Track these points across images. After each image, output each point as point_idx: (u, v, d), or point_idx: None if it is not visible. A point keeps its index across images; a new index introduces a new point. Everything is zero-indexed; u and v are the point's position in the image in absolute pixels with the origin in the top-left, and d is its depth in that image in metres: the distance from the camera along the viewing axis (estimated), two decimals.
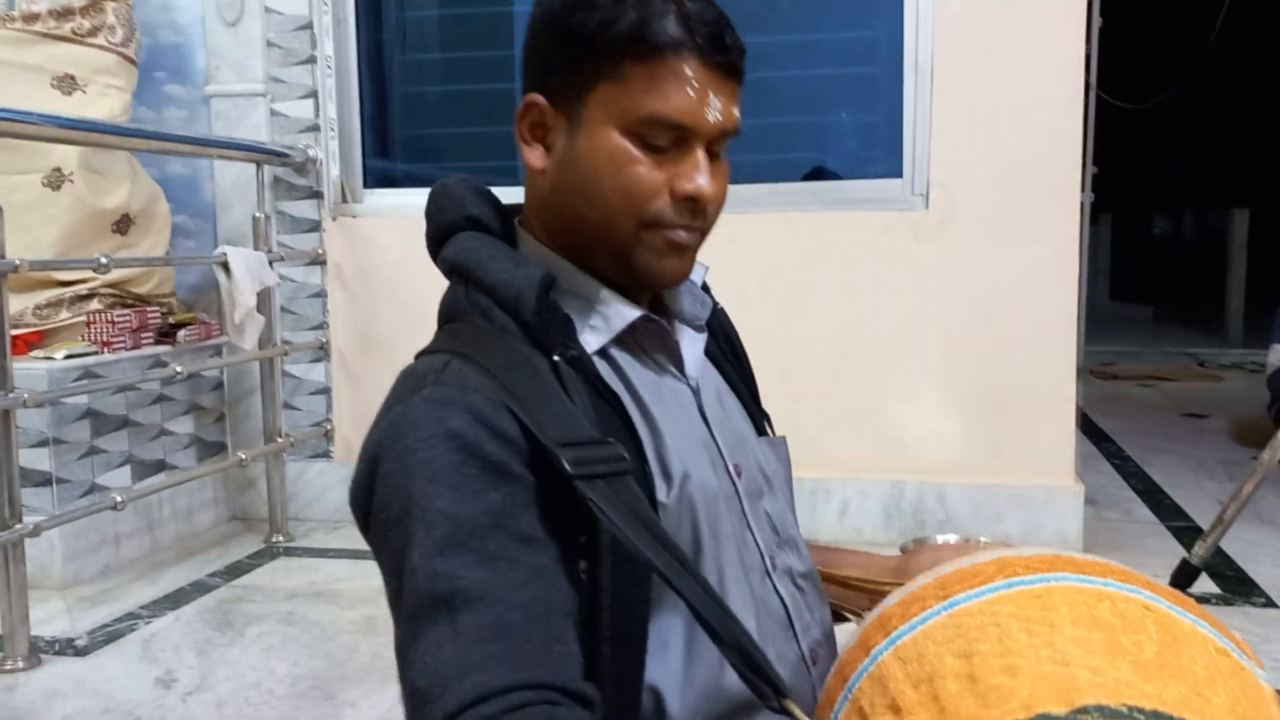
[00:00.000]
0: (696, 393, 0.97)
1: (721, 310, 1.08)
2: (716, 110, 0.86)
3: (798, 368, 2.85)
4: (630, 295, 0.93)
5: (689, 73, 0.84)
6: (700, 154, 0.87)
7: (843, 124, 3.14)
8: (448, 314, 0.93)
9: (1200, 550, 1.26)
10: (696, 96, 0.85)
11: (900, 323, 2.82)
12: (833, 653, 0.98)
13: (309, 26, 3.10)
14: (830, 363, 2.86)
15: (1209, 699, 0.73)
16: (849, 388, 2.86)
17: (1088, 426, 4.38)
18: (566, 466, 0.76)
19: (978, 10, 2.71)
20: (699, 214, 0.89)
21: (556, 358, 0.85)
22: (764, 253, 2.85)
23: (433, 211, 0.96)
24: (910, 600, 0.84)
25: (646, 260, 0.89)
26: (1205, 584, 2.44)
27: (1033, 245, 2.73)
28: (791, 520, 1.03)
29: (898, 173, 2.84)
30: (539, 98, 0.89)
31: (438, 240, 0.95)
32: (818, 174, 3.02)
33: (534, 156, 0.91)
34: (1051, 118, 2.70)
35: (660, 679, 0.84)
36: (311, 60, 3.11)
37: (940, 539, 2.85)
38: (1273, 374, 3.75)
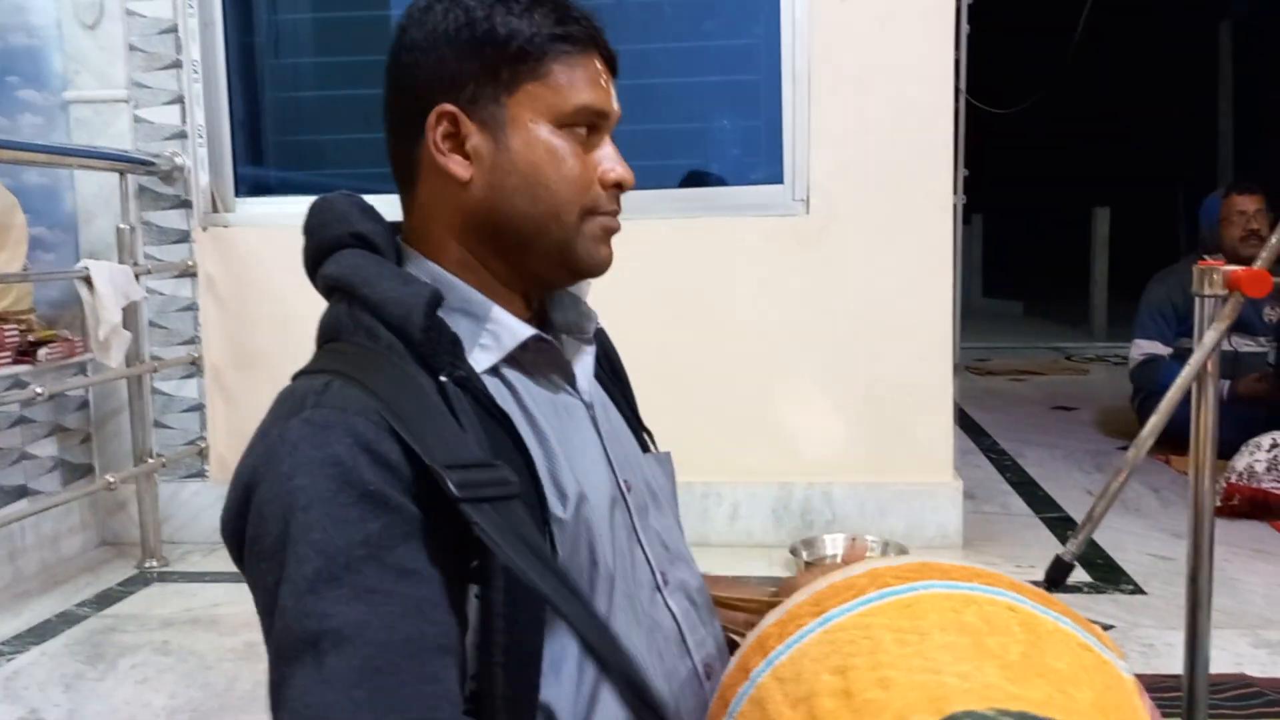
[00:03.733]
0: (590, 407, 0.97)
1: (601, 330, 1.08)
2: (615, 99, 0.94)
3: (686, 373, 2.87)
4: (520, 314, 0.93)
5: (599, 66, 0.91)
6: (611, 142, 0.93)
7: (724, 130, 3.18)
8: (329, 333, 0.90)
9: (1072, 547, 1.31)
10: (606, 87, 0.92)
11: (785, 327, 2.86)
12: (725, 665, 0.99)
13: (174, 30, 2.98)
14: (718, 367, 2.88)
15: (1073, 695, 0.75)
16: (737, 392, 2.89)
17: (965, 422, 4.53)
18: (452, 489, 0.74)
19: (852, 19, 2.77)
20: (618, 200, 0.94)
21: (444, 378, 0.83)
22: (650, 259, 2.86)
23: (314, 227, 0.93)
24: (787, 619, 0.85)
25: (588, 248, 0.92)
26: (1077, 573, 2.53)
27: (909, 248, 2.80)
28: (679, 536, 1.04)
29: (779, 179, 2.88)
30: (451, 107, 0.88)
31: (317, 257, 0.92)
32: (695, 178, 3.04)
33: (458, 167, 0.90)
34: (924, 124, 2.78)
35: (555, 701, 0.83)
36: (177, 65, 2.99)
37: (828, 539, 2.91)
38: (1135, 368, 3.93)
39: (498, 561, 0.77)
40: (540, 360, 0.94)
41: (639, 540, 0.95)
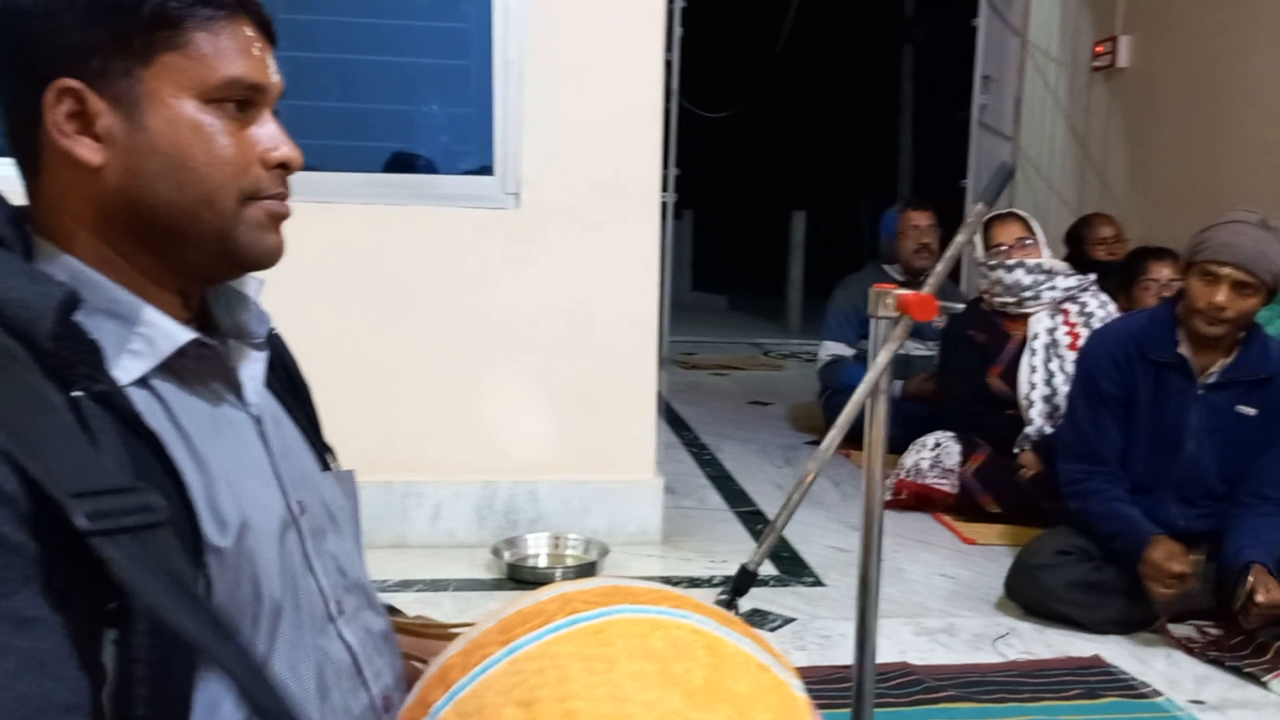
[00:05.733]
0: (259, 421, 0.88)
1: (277, 335, 0.99)
2: (275, 70, 0.86)
3: (387, 368, 2.75)
4: (178, 315, 0.84)
5: (249, 33, 0.83)
6: (274, 119, 0.86)
7: (433, 116, 3.08)
8: None
9: (755, 557, 1.37)
10: (260, 56, 0.84)
11: (492, 321, 2.81)
12: (406, 696, 0.94)
13: None
14: (422, 363, 2.79)
15: (751, 718, 0.77)
16: (441, 388, 2.80)
17: (670, 415, 4.68)
18: (81, 521, 0.64)
19: (565, 12, 2.75)
20: (285, 181, 0.86)
21: (78, 393, 0.72)
22: (348, 246, 2.71)
23: None
24: (472, 648, 0.82)
25: (251, 237, 0.84)
26: (766, 566, 2.67)
27: (618, 246, 2.83)
28: (359, 560, 0.98)
29: (490, 170, 2.82)
30: (74, 82, 0.77)
31: None
32: (400, 162, 2.93)
33: (87, 151, 0.79)
34: (636, 122, 2.80)
35: None
36: None
37: (531, 538, 2.89)
38: (821, 368, 4.22)
39: (139, 601, 0.68)
40: (200, 369, 0.84)
41: (312, 567, 0.89)
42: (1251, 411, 2.42)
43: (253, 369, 0.90)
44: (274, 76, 0.85)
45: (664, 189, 2.94)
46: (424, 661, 1.05)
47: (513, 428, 2.85)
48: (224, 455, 0.82)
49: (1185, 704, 2.03)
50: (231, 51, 0.81)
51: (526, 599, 0.86)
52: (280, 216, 0.86)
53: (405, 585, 2.49)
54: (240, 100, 0.82)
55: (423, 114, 3.08)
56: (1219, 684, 2.13)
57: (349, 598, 0.92)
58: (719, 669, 0.80)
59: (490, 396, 2.83)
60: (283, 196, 0.86)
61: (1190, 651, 2.26)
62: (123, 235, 0.81)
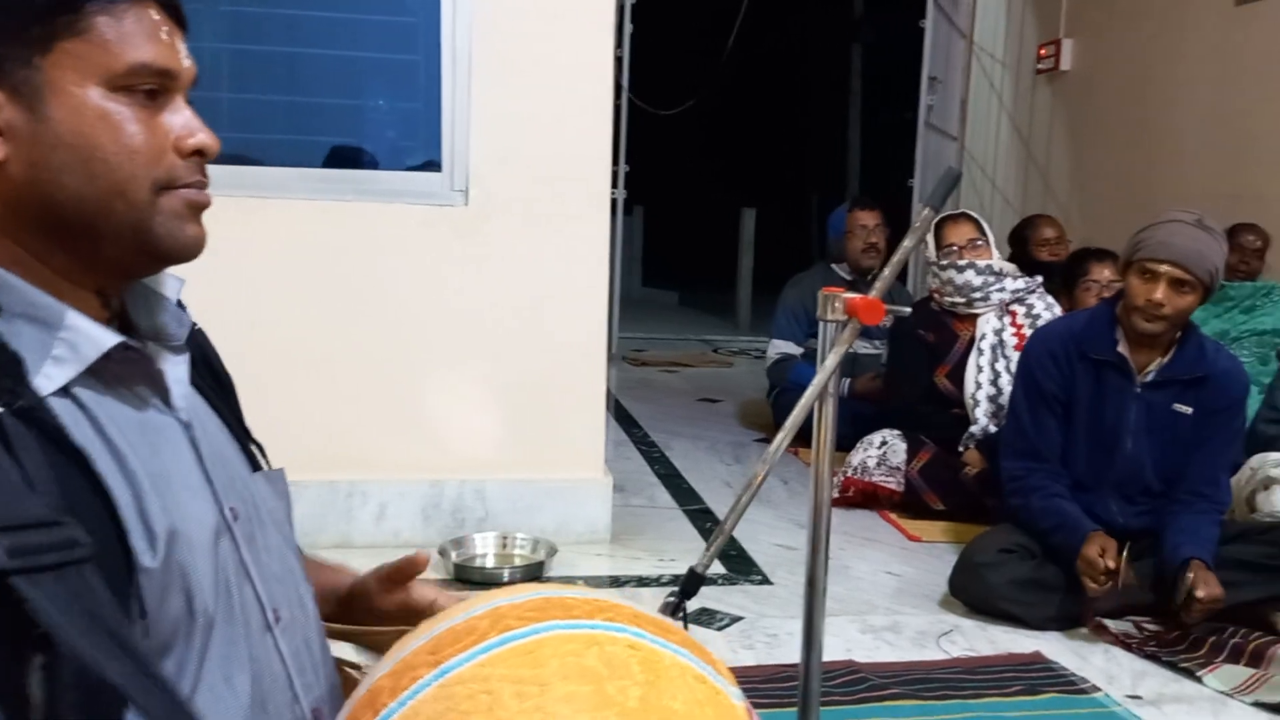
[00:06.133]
0: (188, 426, 0.86)
1: (199, 331, 0.97)
2: (186, 54, 0.83)
3: (331, 366, 2.71)
4: (97, 316, 0.81)
5: (155, 17, 0.81)
6: (186, 105, 0.83)
7: (380, 111, 3.04)
8: None
9: (704, 560, 1.38)
10: (169, 40, 0.82)
11: (440, 319, 2.78)
12: (336, 708, 0.91)
13: None
14: (367, 360, 2.75)
15: None
16: (387, 385, 2.77)
17: (620, 413, 4.67)
18: (2, 559, 0.62)
19: (514, 7, 2.73)
20: (203, 169, 0.84)
21: (0, 409, 0.69)
22: (290, 242, 2.67)
23: None
24: (401, 669, 0.80)
25: (170, 229, 0.81)
26: (713, 565, 2.66)
27: (567, 244, 2.81)
28: (296, 563, 0.96)
29: (437, 166, 2.79)
30: None
31: None
32: (339, 156, 2.88)
33: None
34: (585, 119, 2.79)
35: None
36: None
37: (478, 538, 2.86)
38: (770, 365, 4.24)
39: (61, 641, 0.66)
40: (125, 373, 0.81)
41: (248, 574, 0.87)
42: (1187, 410, 2.46)
43: (177, 372, 0.87)
44: (185, 61, 0.83)
45: (614, 185, 2.93)
46: (354, 667, 1.04)
47: (460, 426, 2.82)
48: (154, 465, 0.80)
49: (1123, 699, 2.06)
50: (137, 36, 0.79)
51: (458, 613, 0.85)
52: (199, 206, 0.84)
53: None
54: (150, 87, 0.80)
55: (369, 109, 3.03)
56: (1155, 679, 2.17)
57: (286, 603, 0.90)
58: (655, 685, 0.79)
59: (437, 394, 2.80)
60: (201, 185, 0.84)
61: (1128, 647, 2.30)
62: (34, 233, 0.79)
